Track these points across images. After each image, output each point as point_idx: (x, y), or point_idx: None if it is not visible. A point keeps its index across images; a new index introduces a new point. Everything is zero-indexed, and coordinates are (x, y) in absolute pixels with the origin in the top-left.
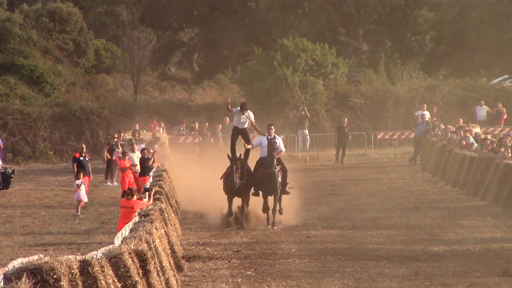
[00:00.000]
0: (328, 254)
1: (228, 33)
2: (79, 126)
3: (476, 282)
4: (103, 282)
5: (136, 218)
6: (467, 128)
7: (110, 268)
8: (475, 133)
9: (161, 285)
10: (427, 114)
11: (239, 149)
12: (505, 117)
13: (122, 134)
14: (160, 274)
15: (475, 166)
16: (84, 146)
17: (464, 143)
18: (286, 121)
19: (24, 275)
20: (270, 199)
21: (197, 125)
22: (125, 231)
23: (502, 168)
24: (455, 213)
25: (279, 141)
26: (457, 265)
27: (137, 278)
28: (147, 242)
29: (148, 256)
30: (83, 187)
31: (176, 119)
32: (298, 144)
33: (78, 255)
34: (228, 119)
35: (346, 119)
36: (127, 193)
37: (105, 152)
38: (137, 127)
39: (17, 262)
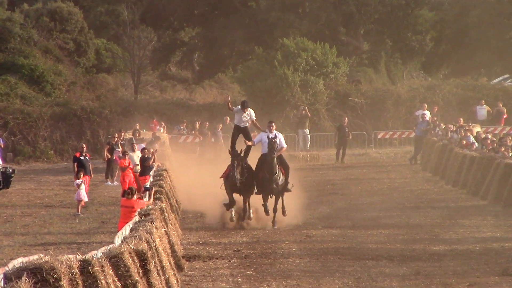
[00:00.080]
0: (328, 254)
1: (229, 33)
2: (79, 126)
3: (476, 281)
4: (103, 281)
5: (137, 218)
6: (467, 128)
7: (110, 267)
8: (477, 132)
9: (161, 284)
10: (427, 114)
11: (240, 147)
12: (505, 116)
13: (122, 134)
14: (160, 274)
15: (475, 165)
16: (84, 145)
17: (465, 142)
18: (287, 121)
19: (24, 275)
20: (270, 200)
21: (197, 125)
22: (125, 230)
23: (503, 168)
24: (456, 213)
25: (280, 137)
26: (458, 265)
27: (137, 278)
28: (147, 242)
29: (148, 255)
30: (83, 187)
31: (177, 119)
32: (299, 144)
33: (78, 255)
34: (228, 118)
35: (346, 118)
36: (128, 193)
37: (106, 151)
38: (138, 126)
39: (17, 262)
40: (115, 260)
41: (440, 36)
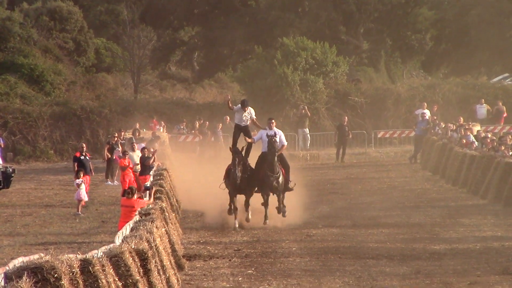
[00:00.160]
0: (328, 253)
1: (229, 32)
2: (79, 125)
3: (476, 280)
4: (103, 281)
5: (137, 217)
6: (467, 127)
7: (110, 267)
8: (477, 131)
9: (162, 284)
10: (427, 113)
11: (240, 145)
12: (505, 115)
13: (122, 133)
14: (161, 273)
15: (475, 164)
16: (84, 145)
17: (465, 141)
18: (287, 120)
19: (25, 274)
20: (271, 201)
21: (197, 124)
22: (126, 230)
23: (503, 167)
24: (456, 212)
25: (280, 134)
26: (458, 264)
27: (137, 277)
28: (148, 241)
29: (149, 255)
30: (83, 186)
31: (177, 118)
32: (299, 143)
33: (79, 254)
34: (228, 117)
35: (346, 117)
36: (128, 192)
37: (106, 151)
38: (138, 126)
39: (18, 261)
40: (115, 259)
41: (440, 35)
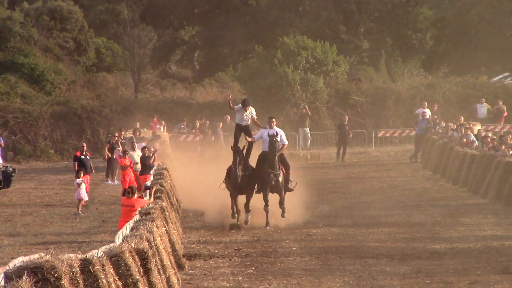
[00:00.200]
0: (329, 252)
1: (229, 31)
2: (79, 125)
3: (477, 280)
4: (104, 280)
5: (137, 217)
6: (468, 126)
7: (111, 266)
8: (478, 130)
9: (162, 283)
10: (428, 112)
11: (241, 144)
12: (505, 114)
13: (122, 133)
14: (161, 273)
15: (476, 164)
16: (84, 144)
17: (465, 141)
18: (287, 119)
19: (25, 274)
20: (271, 203)
21: (198, 123)
22: (126, 229)
23: (503, 166)
24: (456, 211)
25: (281, 133)
26: (458, 263)
27: (138, 277)
28: (148, 241)
29: (149, 254)
30: (83, 186)
31: (177, 118)
32: (299, 142)
33: (79, 254)
34: (229, 117)
35: (347, 117)
36: (128, 192)
37: (106, 150)
38: (138, 125)
39: (18, 261)
40: (115, 259)
41: (440, 34)
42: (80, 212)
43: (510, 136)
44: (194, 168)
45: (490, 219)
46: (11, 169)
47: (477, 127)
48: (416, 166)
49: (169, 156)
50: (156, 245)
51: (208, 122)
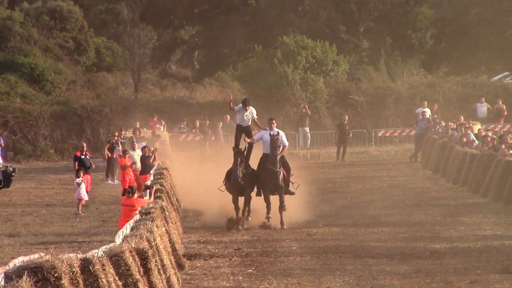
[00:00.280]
0: (329, 252)
1: (229, 31)
2: (79, 124)
3: (477, 279)
4: (104, 280)
5: (137, 216)
6: (468, 125)
7: (111, 266)
8: (478, 129)
9: (162, 283)
10: (427, 111)
11: (241, 145)
12: (505, 114)
13: (122, 132)
14: (161, 272)
15: (476, 163)
16: (84, 144)
17: (465, 140)
18: (287, 119)
19: (25, 274)
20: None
21: (198, 123)
22: (126, 229)
23: (503, 165)
24: (456, 211)
25: (281, 135)
26: (458, 262)
27: (138, 277)
28: (148, 240)
29: (149, 254)
30: (83, 185)
31: (177, 117)
32: (299, 142)
33: (79, 254)
34: (229, 116)
35: (346, 116)
36: (128, 191)
37: (106, 150)
38: (138, 125)
39: (18, 261)
40: (116, 259)
41: (440, 33)
42: (80, 212)
43: (510, 135)
44: (194, 167)
45: (490, 219)
46: (11, 169)
47: (477, 126)
48: (416, 166)
49: (169, 156)
50: (156, 245)
51: (208, 121)
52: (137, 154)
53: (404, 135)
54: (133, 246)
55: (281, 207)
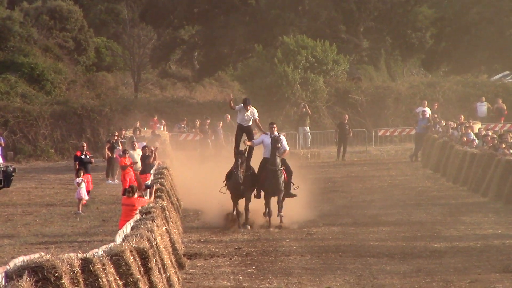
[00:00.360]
0: (329, 251)
1: (229, 31)
2: (80, 124)
3: (477, 278)
4: (104, 280)
5: (137, 216)
6: (468, 125)
7: (111, 266)
8: (478, 129)
9: (163, 282)
10: (428, 111)
11: (241, 146)
12: (505, 113)
13: (123, 132)
14: (162, 272)
15: (476, 162)
16: (84, 144)
17: (465, 139)
18: (287, 118)
19: (26, 273)
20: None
21: (198, 123)
22: (126, 228)
23: (503, 165)
24: (457, 210)
25: (283, 139)
26: (459, 262)
27: (138, 276)
28: (149, 240)
29: (150, 253)
30: (83, 185)
31: (177, 117)
32: (299, 141)
33: (80, 253)
34: (229, 116)
35: (347, 116)
36: (128, 191)
37: (106, 150)
38: (138, 124)
39: (18, 260)
40: (116, 258)
41: (440, 33)
42: (80, 212)
43: (510, 134)
44: (194, 167)
45: (491, 218)
46: (11, 169)
47: (477, 125)
48: (416, 165)
49: (169, 155)
50: (156, 244)
51: (208, 121)
52: (137, 154)
53: (404, 134)
54: (134, 246)
55: (279, 210)
